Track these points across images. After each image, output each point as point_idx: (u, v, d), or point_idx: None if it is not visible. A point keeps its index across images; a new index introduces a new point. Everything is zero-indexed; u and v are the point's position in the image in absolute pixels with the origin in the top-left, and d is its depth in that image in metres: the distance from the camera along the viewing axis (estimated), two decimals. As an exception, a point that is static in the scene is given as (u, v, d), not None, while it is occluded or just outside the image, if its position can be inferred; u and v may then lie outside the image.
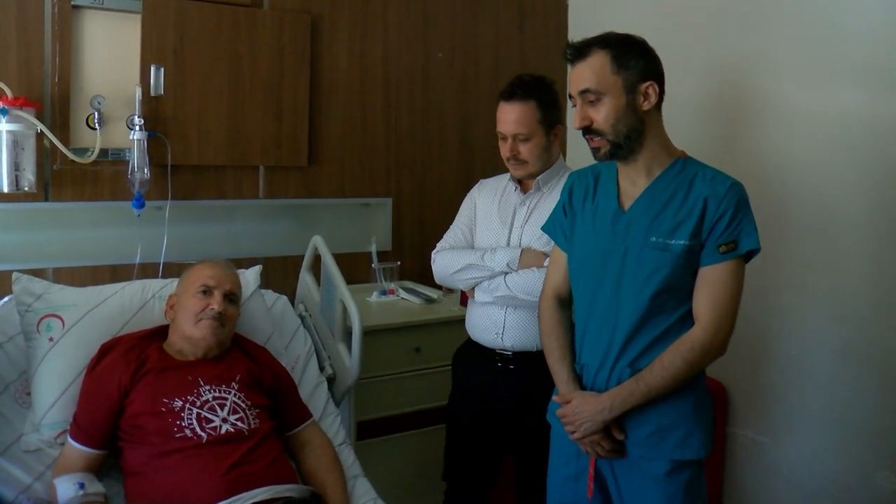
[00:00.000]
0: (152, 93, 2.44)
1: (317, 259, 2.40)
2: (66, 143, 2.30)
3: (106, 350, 1.86)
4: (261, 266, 2.29)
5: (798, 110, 2.32)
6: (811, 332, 2.31)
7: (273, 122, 2.67)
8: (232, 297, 1.91)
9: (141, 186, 2.37)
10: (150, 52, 2.43)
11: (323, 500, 1.78)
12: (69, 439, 1.75)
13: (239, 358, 1.91)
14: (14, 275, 1.98)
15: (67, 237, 2.41)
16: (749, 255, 1.57)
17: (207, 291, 1.87)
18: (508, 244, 2.05)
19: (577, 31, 2.85)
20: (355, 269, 2.85)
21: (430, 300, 2.72)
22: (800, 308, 2.34)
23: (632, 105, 1.56)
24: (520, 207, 2.08)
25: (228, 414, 1.76)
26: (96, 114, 2.36)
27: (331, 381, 2.24)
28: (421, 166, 3.04)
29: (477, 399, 2.10)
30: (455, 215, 2.23)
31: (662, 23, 2.68)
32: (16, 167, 2.19)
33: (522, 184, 2.10)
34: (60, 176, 2.37)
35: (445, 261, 2.11)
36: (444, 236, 2.20)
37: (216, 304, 1.85)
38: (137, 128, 2.35)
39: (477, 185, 2.23)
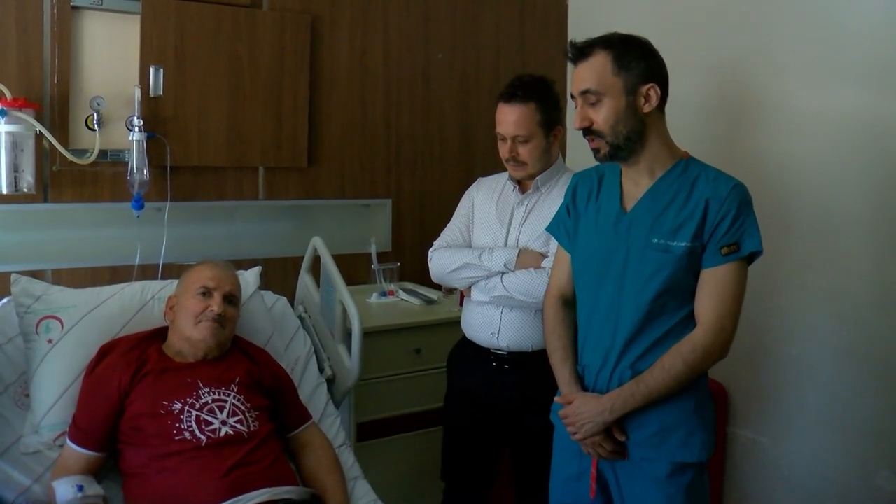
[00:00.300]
0: (152, 94, 2.43)
1: (316, 260, 2.40)
2: (65, 144, 2.30)
3: (105, 352, 1.86)
4: (260, 267, 2.29)
5: (798, 110, 2.31)
6: (811, 332, 2.31)
7: (273, 123, 2.67)
8: (232, 299, 1.91)
9: (140, 187, 2.36)
10: (150, 53, 2.43)
11: (323, 501, 1.78)
12: (68, 441, 1.75)
13: (239, 359, 1.91)
14: (13, 276, 1.98)
15: (66, 238, 2.41)
16: (752, 258, 1.57)
17: (207, 293, 1.87)
18: (506, 244, 2.05)
19: (577, 31, 2.84)
20: (355, 270, 2.84)
21: (429, 301, 2.72)
22: (800, 308, 2.34)
23: (632, 107, 1.55)
24: (518, 207, 2.08)
25: (228, 416, 1.76)
26: (95, 115, 2.36)
27: (330, 382, 2.23)
28: (421, 167, 3.03)
29: (472, 398, 2.11)
30: (455, 216, 2.23)
31: (662, 23, 2.68)
32: (15, 168, 2.19)
33: (521, 183, 2.10)
34: (59, 177, 2.37)
35: (442, 259, 2.11)
36: (441, 234, 2.20)
37: (216, 305, 1.85)
38: (137, 129, 2.35)
39: (475, 184, 2.23)
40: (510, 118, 1.99)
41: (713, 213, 1.53)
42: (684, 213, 1.56)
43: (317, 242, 2.37)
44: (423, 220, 3.00)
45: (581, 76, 1.58)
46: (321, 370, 2.24)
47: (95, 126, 2.35)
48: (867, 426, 2.18)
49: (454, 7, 3.06)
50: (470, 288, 2.08)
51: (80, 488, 1.63)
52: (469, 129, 3.10)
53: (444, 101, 3.07)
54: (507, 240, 2.06)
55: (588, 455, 1.66)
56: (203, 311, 1.84)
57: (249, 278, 2.19)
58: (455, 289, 2.31)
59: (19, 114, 2.17)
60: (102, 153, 2.37)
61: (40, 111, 2.28)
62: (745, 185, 1.57)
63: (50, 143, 2.27)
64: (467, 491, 2.19)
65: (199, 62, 2.51)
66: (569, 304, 1.76)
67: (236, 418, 1.76)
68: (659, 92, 1.57)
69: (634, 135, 1.57)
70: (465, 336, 2.15)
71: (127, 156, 2.39)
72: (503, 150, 2.03)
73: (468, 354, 2.13)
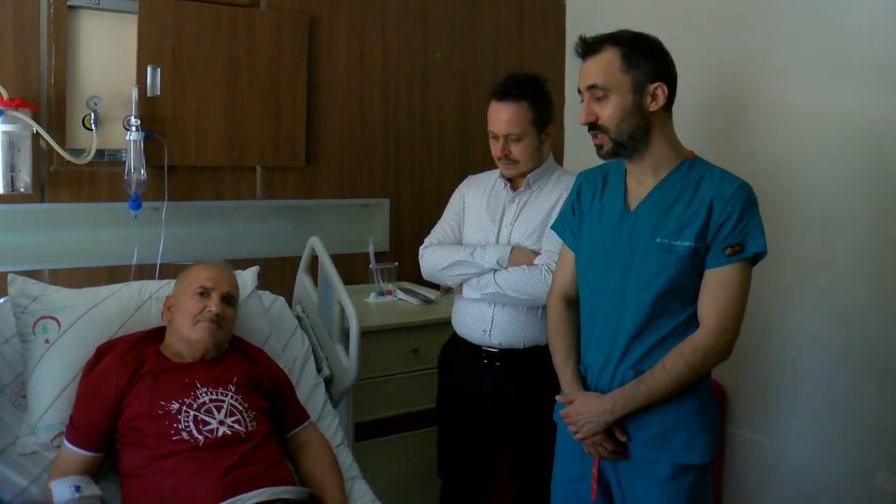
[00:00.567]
0: (149, 93, 2.43)
1: (314, 260, 2.39)
2: (62, 143, 2.29)
3: (102, 352, 1.85)
4: (258, 267, 2.28)
5: (798, 110, 2.31)
6: (811, 332, 2.30)
7: (271, 123, 2.66)
8: (229, 299, 1.90)
9: (137, 187, 2.36)
10: (147, 53, 2.42)
11: (321, 501, 1.78)
12: (65, 442, 1.74)
13: (237, 360, 1.90)
14: (10, 276, 1.97)
15: (64, 238, 2.40)
16: (756, 258, 1.56)
17: (205, 293, 1.86)
18: (497, 241, 2.05)
19: (575, 31, 2.82)
20: (353, 269, 2.84)
21: (427, 301, 2.72)
22: (800, 308, 2.33)
23: (638, 105, 1.55)
24: (509, 205, 2.08)
25: (225, 416, 1.75)
26: (92, 114, 2.35)
27: (328, 382, 2.23)
28: (419, 167, 3.03)
29: (463, 395, 2.11)
30: (451, 215, 2.23)
31: (662, 23, 2.65)
32: (11, 168, 2.17)
33: (512, 181, 2.10)
34: (56, 177, 2.36)
35: (434, 256, 2.10)
36: (432, 231, 2.20)
37: (213, 305, 1.84)
38: (134, 128, 2.34)
39: (465, 181, 2.23)
40: (502, 116, 1.99)
41: (717, 214, 1.53)
42: (688, 212, 1.55)
43: (315, 242, 2.37)
44: (422, 219, 2.99)
45: (589, 71, 1.58)
46: (319, 370, 2.23)
47: (92, 126, 2.35)
48: (866, 426, 2.18)
49: (452, 7, 3.06)
50: (461, 285, 2.08)
51: (78, 489, 1.62)
52: (467, 129, 3.10)
53: (443, 101, 3.06)
54: (498, 237, 2.06)
55: (590, 455, 1.65)
56: (201, 312, 1.83)
57: (247, 278, 2.19)
58: (452, 289, 2.31)
59: (16, 113, 2.16)
60: (99, 153, 2.36)
61: (37, 111, 2.27)
62: (750, 186, 1.56)
63: (47, 143, 2.26)
64: (464, 491, 2.19)
65: (196, 62, 2.50)
66: (572, 303, 1.76)
67: (234, 418, 1.76)
68: (666, 91, 1.56)
69: (639, 133, 1.56)
70: (455, 333, 2.15)
71: (124, 156, 2.38)
72: (495, 149, 2.03)
73: (460, 351, 2.12)
